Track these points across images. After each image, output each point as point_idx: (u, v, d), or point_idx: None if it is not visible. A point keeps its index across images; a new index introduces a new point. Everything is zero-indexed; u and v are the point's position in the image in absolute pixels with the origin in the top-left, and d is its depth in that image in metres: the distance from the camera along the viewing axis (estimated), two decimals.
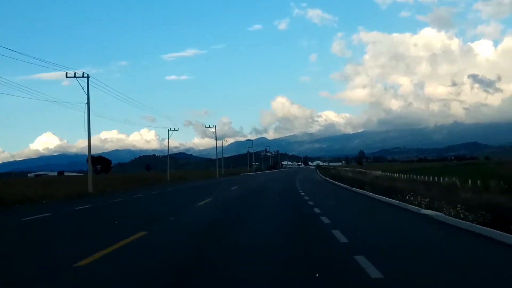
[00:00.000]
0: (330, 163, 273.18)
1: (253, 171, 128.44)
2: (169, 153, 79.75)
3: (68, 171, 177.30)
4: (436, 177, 32.44)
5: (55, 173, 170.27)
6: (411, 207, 15.79)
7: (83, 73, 38.30)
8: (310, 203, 19.96)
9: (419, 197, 16.67)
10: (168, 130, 69.93)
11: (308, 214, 15.78)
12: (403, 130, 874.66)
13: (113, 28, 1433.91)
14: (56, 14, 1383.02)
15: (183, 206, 20.88)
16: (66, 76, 37.96)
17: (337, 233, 10.97)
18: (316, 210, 16.81)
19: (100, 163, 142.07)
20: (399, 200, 17.54)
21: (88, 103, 38.09)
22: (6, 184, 43.77)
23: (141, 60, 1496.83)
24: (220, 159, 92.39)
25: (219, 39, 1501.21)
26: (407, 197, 17.29)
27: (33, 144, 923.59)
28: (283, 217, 15.91)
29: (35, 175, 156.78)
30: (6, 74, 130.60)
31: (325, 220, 13.80)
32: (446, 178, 29.43)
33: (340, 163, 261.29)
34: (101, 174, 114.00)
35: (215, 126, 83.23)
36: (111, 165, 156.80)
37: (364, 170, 53.75)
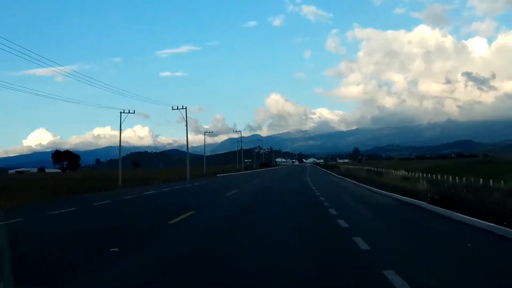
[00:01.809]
0: (339, 160, 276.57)
1: (242, 169, 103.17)
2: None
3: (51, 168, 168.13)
4: (473, 179, 26.13)
5: (36, 170, 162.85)
6: None
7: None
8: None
9: None
10: (121, 113, 46.17)
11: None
12: (396, 128, 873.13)
13: (107, 24, 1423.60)
14: (49, 10, 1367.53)
15: None
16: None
17: None
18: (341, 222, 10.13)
19: (67, 159, 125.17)
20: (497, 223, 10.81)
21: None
22: None
23: (135, 56, 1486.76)
24: (208, 156, 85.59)
25: (214, 36, 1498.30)
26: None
27: (26, 140, 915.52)
28: None
29: (16, 172, 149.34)
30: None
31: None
32: (491, 181, 23.23)
33: (345, 160, 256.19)
34: (68, 172, 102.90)
35: (185, 108, 54.98)
36: (79, 161, 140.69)
37: (375, 169, 47.50)
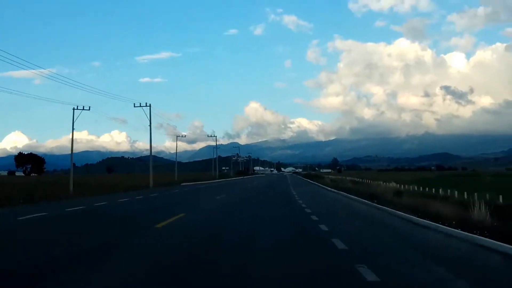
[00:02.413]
0: (321, 170, 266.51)
1: (217, 178, 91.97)
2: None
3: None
4: (470, 193, 22.22)
5: (5, 173, 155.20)
6: None
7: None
8: None
9: None
10: (74, 109, 39.40)
11: None
12: (374, 139, 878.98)
13: (86, 28, 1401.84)
14: (27, 12, 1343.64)
15: None
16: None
17: None
18: None
19: (31, 162, 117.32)
20: None
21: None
22: None
23: (114, 61, 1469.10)
24: (186, 163, 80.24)
25: (194, 43, 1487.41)
26: None
27: (1, 142, 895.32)
28: None
29: None
30: None
31: None
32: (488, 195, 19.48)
33: (327, 170, 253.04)
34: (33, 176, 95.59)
35: (149, 105, 45.81)
36: (44, 165, 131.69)
37: (361, 180, 43.56)
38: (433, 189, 26.53)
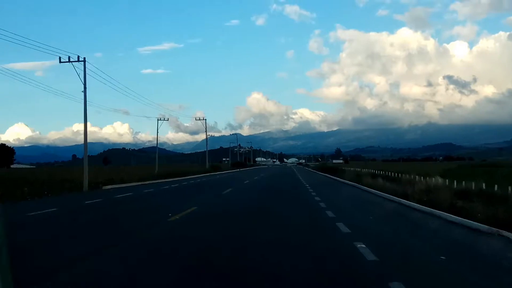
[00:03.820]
0: (333, 161, 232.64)
1: (202, 172, 70.22)
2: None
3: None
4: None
5: None
6: None
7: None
8: None
9: None
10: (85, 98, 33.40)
11: None
12: (377, 130, 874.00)
13: (87, 19, 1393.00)
14: (29, 4, 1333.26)
15: None
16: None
17: None
18: None
19: None
20: None
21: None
22: None
23: (116, 52, 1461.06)
24: (188, 154, 74.00)
25: (196, 33, 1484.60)
26: None
27: (4, 134, 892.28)
28: None
29: None
30: None
31: None
32: None
33: (339, 161, 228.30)
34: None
35: (84, 60, 32.95)
36: (14, 156, 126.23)
37: (379, 172, 38.75)
38: (473, 184, 22.01)
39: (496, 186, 20.86)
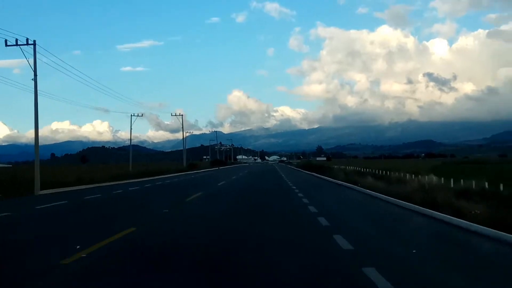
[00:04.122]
0: (317, 158, 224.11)
1: (178, 170, 70.05)
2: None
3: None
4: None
5: None
6: None
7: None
8: None
9: None
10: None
11: None
12: (358, 127, 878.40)
13: (66, 16, 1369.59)
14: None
15: None
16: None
17: None
18: None
19: None
20: None
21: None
22: None
23: (95, 50, 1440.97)
24: (168, 152, 71.30)
25: (176, 31, 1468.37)
26: None
27: None
28: None
29: None
30: None
31: None
32: None
33: (324, 159, 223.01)
34: None
35: (34, 43, 31.22)
36: None
37: (365, 170, 36.28)
38: (460, 182, 19.97)
39: (502, 185, 18.80)
